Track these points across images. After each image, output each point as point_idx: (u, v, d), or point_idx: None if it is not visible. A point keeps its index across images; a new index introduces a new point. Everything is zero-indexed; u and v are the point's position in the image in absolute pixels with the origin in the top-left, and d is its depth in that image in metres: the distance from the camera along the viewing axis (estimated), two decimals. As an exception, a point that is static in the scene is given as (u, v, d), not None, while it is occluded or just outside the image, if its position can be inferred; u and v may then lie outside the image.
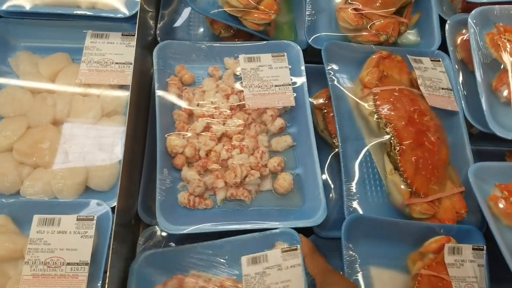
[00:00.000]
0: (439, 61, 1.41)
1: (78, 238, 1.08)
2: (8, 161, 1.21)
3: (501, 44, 1.33)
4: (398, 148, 1.19)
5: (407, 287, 1.12)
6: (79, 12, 1.41)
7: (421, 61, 1.39)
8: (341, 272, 1.13)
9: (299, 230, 1.17)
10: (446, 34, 1.46)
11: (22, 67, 1.37)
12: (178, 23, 1.56)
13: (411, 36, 1.55)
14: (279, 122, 1.31)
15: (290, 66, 1.35)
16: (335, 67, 1.34)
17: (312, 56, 1.42)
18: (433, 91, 1.33)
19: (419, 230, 1.15)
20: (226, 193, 1.22)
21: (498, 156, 1.41)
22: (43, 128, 1.26)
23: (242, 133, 1.28)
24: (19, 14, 1.41)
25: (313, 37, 1.44)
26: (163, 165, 1.21)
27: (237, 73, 1.37)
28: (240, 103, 1.31)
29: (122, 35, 1.41)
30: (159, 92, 1.29)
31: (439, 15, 1.51)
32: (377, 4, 1.44)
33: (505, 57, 1.33)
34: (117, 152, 1.24)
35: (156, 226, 1.22)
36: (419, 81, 1.33)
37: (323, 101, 1.36)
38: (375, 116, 1.24)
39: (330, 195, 1.28)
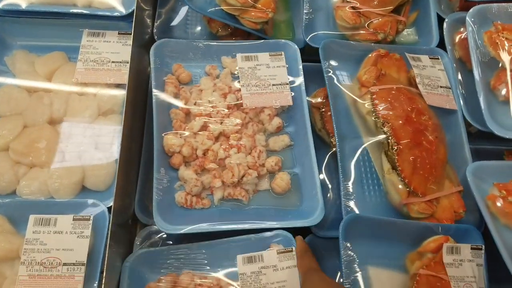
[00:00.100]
0: (438, 59, 1.41)
1: (75, 238, 1.07)
2: (4, 161, 1.21)
3: (499, 43, 1.33)
4: (395, 147, 1.18)
5: (406, 287, 1.11)
6: (75, 10, 1.40)
7: (420, 59, 1.39)
8: (340, 272, 1.13)
9: (296, 229, 1.17)
10: (444, 33, 1.46)
11: (18, 66, 1.36)
12: (175, 21, 1.55)
13: (409, 34, 1.55)
14: (277, 121, 1.31)
15: (287, 65, 1.35)
16: (333, 65, 1.34)
17: (310, 54, 1.42)
18: (432, 89, 1.33)
19: (417, 230, 1.15)
20: (223, 193, 1.22)
21: (497, 155, 1.41)
22: (39, 127, 1.25)
23: (239, 132, 1.27)
24: (15, 13, 1.40)
25: (311, 35, 1.43)
26: (160, 165, 1.21)
27: (235, 72, 1.36)
28: (238, 102, 1.30)
29: (118, 33, 1.41)
30: (156, 91, 1.29)
31: (437, 13, 1.51)
32: (375, 3, 1.43)
33: (503, 55, 1.33)
34: (114, 151, 1.24)
35: (153, 226, 1.21)
36: (417, 80, 1.32)
37: (320, 100, 1.35)
38: (373, 115, 1.24)
39: (328, 195, 1.28)
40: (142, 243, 1.21)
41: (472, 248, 1.13)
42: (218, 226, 1.14)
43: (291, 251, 1.12)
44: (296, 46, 1.38)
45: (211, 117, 1.28)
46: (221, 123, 1.27)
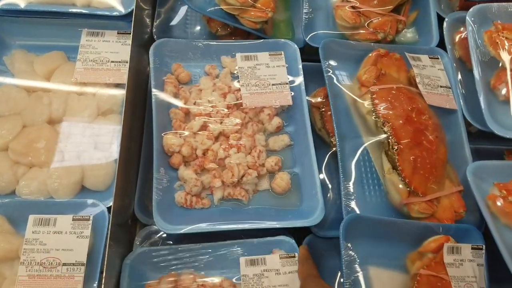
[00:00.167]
0: (437, 58, 1.41)
1: (74, 238, 1.07)
2: (3, 161, 1.20)
3: (499, 42, 1.33)
4: (396, 147, 1.18)
5: (406, 287, 1.11)
6: (74, 10, 1.40)
7: (420, 58, 1.38)
8: (340, 272, 1.12)
9: (296, 229, 1.17)
10: (444, 32, 1.46)
11: (17, 66, 1.36)
12: (174, 21, 1.54)
13: (409, 34, 1.55)
14: (277, 121, 1.30)
15: (287, 65, 1.35)
16: (332, 65, 1.34)
17: (310, 54, 1.41)
18: (432, 89, 1.33)
19: (417, 230, 1.14)
20: (223, 193, 1.22)
21: (497, 154, 1.40)
22: (38, 127, 1.25)
23: (239, 132, 1.27)
24: (14, 12, 1.39)
25: (311, 35, 1.43)
26: (160, 164, 1.20)
27: (234, 72, 1.36)
28: (237, 102, 1.30)
29: (118, 33, 1.40)
30: (155, 91, 1.28)
31: (437, 13, 1.51)
32: (375, 2, 1.43)
33: (504, 55, 1.32)
34: (113, 151, 1.24)
35: (153, 226, 1.21)
36: (417, 79, 1.32)
37: (320, 100, 1.35)
38: (373, 115, 1.24)
39: (328, 194, 1.27)
40: (142, 243, 1.21)
41: (472, 248, 1.12)
42: (218, 226, 1.13)
43: (294, 256, 1.12)
44: (295, 46, 1.38)
45: (210, 117, 1.28)
46: (221, 123, 1.27)
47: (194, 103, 1.30)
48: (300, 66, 1.35)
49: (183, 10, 1.56)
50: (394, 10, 1.46)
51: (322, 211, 1.17)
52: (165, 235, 1.21)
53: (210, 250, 1.15)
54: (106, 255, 1.02)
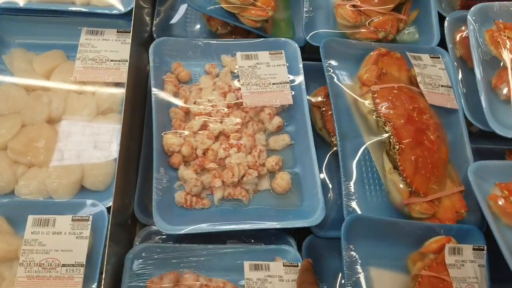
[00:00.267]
0: (438, 58, 1.40)
1: (74, 239, 1.07)
2: (2, 160, 1.20)
3: (500, 41, 1.32)
4: (397, 147, 1.17)
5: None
6: (74, 8, 1.40)
7: (421, 58, 1.38)
8: (341, 273, 1.12)
9: (297, 229, 1.16)
10: (445, 31, 1.45)
11: (16, 64, 1.35)
12: (174, 19, 1.54)
13: (410, 33, 1.54)
14: (277, 120, 1.30)
15: (287, 64, 1.34)
16: (333, 64, 1.33)
17: (310, 53, 1.41)
18: (433, 88, 1.32)
19: (419, 230, 1.14)
20: (223, 193, 1.21)
21: (498, 154, 1.40)
22: (37, 126, 1.25)
23: (239, 131, 1.27)
24: (13, 11, 1.39)
25: (311, 34, 1.42)
26: (160, 164, 1.20)
27: (234, 71, 1.35)
28: (238, 101, 1.29)
29: (117, 32, 1.40)
30: (155, 90, 1.28)
31: (438, 11, 1.50)
32: (375, 1, 1.43)
33: (505, 54, 1.32)
34: (113, 150, 1.23)
35: (153, 226, 1.20)
36: (419, 79, 1.32)
37: (321, 99, 1.34)
38: (374, 114, 1.23)
39: (328, 194, 1.27)
40: (142, 243, 1.20)
41: (474, 249, 1.12)
42: (218, 226, 1.13)
43: (297, 265, 1.12)
44: (296, 45, 1.38)
45: (211, 116, 1.27)
46: (221, 122, 1.26)
47: (194, 102, 1.29)
48: (301, 65, 1.35)
49: (183, 8, 1.56)
50: (395, 9, 1.46)
51: (323, 211, 1.16)
52: (165, 235, 1.20)
53: (212, 252, 1.14)
54: (106, 256, 1.02)
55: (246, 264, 1.12)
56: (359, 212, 1.16)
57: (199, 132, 1.25)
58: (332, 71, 1.31)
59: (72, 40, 1.39)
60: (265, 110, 1.30)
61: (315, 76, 1.36)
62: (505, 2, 1.41)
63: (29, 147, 1.20)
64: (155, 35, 1.45)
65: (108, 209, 1.11)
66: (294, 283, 1.10)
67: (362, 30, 1.41)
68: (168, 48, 1.36)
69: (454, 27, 1.46)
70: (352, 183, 1.20)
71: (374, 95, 1.25)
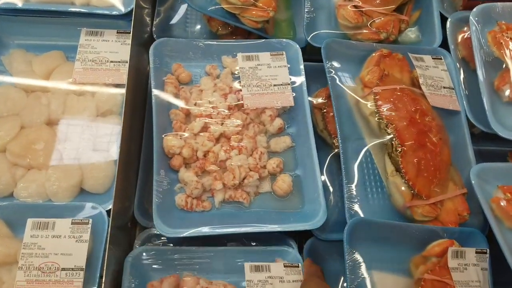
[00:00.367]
0: (440, 59, 1.39)
1: (73, 243, 1.06)
2: (1, 163, 1.19)
3: (503, 43, 1.32)
4: (399, 149, 1.17)
5: (410, 291, 1.11)
6: (73, 9, 1.39)
7: (423, 59, 1.37)
8: (344, 277, 1.12)
9: (298, 232, 1.16)
10: (447, 32, 1.44)
11: (15, 65, 1.34)
12: (174, 20, 1.53)
13: (411, 34, 1.53)
14: (278, 122, 1.29)
15: (289, 65, 1.33)
16: (335, 65, 1.32)
17: (311, 54, 1.41)
18: (435, 90, 1.31)
19: (421, 233, 1.13)
20: (224, 195, 1.20)
21: (500, 156, 1.39)
22: (37, 128, 1.23)
23: (240, 133, 1.26)
24: (11, 11, 1.38)
25: (312, 34, 1.41)
26: (160, 166, 1.19)
27: (235, 72, 1.35)
28: (238, 102, 1.28)
29: (117, 32, 1.39)
30: (155, 91, 1.27)
31: (440, 12, 1.49)
32: (377, 1, 1.42)
33: (508, 55, 1.31)
34: (113, 153, 1.22)
35: (153, 229, 1.20)
36: (421, 80, 1.31)
37: (322, 101, 1.33)
38: (376, 116, 1.22)
39: (329, 197, 1.26)
40: (142, 246, 1.19)
41: (476, 252, 1.11)
42: (219, 229, 1.12)
43: (298, 266, 1.12)
44: (297, 46, 1.37)
45: (211, 118, 1.26)
46: (222, 124, 1.26)
47: (195, 104, 1.28)
48: (302, 67, 1.34)
49: (183, 8, 1.55)
50: (396, 9, 1.45)
51: (324, 214, 1.16)
52: (165, 237, 1.19)
53: (212, 254, 1.14)
54: (106, 260, 1.01)
55: (247, 265, 1.11)
56: (361, 215, 1.15)
57: (199, 134, 1.24)
58: (333, 72, 1.30)
59: (71, 41, 1.37)
60: (266, 112, 1.29)
61: (316, 77, 1.36)
62: (507, 3, 1.40)
63: (28, 149, 1.19)
64: (155, 36, 1.44)
65: (108, 212, 1.10)
66: (295, 284, 1.09)
67: (364, 31, 1.40)
68: (168, 49, 1.35)
69: (456, 28, 1.45)
70: (353, 186, 1.19)
71: (376, 97, 1.24)
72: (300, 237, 1.22)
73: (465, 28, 1.43)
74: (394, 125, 1.19)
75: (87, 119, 1.26)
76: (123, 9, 1.39)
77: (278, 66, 1.32)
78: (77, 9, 1.38)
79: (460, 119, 1.33)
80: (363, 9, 1.41)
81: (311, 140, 1.24)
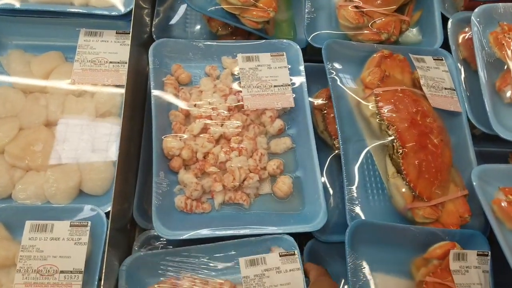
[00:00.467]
0: (441, 60, 1.39)
1: (72, 245, 1.05)
2: (-1, 164, 1.19)
3: (505, 44, 1.31)
4: (401, 151, 1.16)
5: (411, 293, 1.10)
6: (72, 9, 1.38)
7: (424, 60, 1.36)
8: (345, 279, 1.12)
9: (298, 233, 1.15)
10: (449, 33, 1.43)
11: (13, 66, 1.33)
12: (174, 20, 1.52)
13: (412, 34, 1.52)
14: (278, 123, 1.28)
15: (289, 66, 1.32)
16: (335, 66, 1.31)
17: (311, 54, 1.40)
18: (436, 91, 1.31)
19: (422, 235, 1.13)
20: (224, 197, 1.20)
21: (501, 157, 1.39)
22: (35, 129, 1.23)
23: (240, 134, 1.25)
24: (10, 12, 1.37)
25: (313, 35, 1.41)
26: (160, 168, 1.18)
27: (235, 73, 1.34)
28: (238, 103, 1.27)
29: (116, 33, 1.38)
30: (155, 92, 1.26)
31: (441, 12, 1.49)
32: (378, 2, 1.41)
33: (509, 56, 1.30)
34: (112, 154, 1.22)
35: (152, 230, 1.20)
36: (422, 81, 1.30)
37: (322, 102, 1.33)
38: (377, 117, 1.22)
39: (330, 198, 1.26)
40: (141, 248, 1.19)
41: (478, 255, 1.11)
42: (218, 231, 1.12)
43: (294, 254, 1.10)
44: (298, 46, 1.36)
45: (211, 119, 1.25)
46: (222, 125, 1.25)
47: (195, 105, 1.28)
48: (302, 67, 1.33)
49: (182, 9, 1.54)
50: (397, 10, 1.44)
51: (325, 216, 1.15)
52: (164, 240, 1.19)
53: (208, 252, 1.13)
54: (105, 262, 1.00)
55: (242, 260, 1.10)
56: (362, 217, 1.15)
57: (199, 135, 1.24)
58: (334, 73, 1.30)
59: (70, 41, 1.37)
60: (266, 113, 1.28)
61: (316, 77, 1.35)
62: (509, 4, 1.39)
63: (26, 151, 1.19)
64: (154, 36, 1.43)
65: (107, 214, 1.09)
66: (292, 273, 1.09)
67: (365, 31, 1.40)
68: (168, 49, 1.35)
69: (457, 28, 1.44)
70: (354, 188, 1.19)
71: (377, 98, 1.24)
72: (300, 239, 1.21)
73: (467, 29, 1.43)
74: (395, 126, 1.19)
75: (86, 120, 1.26)
76: (122, 10, 1.38)
77: (279, 67, 1.31)
78: (76, 10, 1.38)
79: (461, 120, 1.33)
80: (364, 9, 1.40)
81: (311, 141, 1.24)
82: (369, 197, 1.20)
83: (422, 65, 1.34)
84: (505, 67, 1.31)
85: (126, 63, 1.22)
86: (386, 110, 1.21)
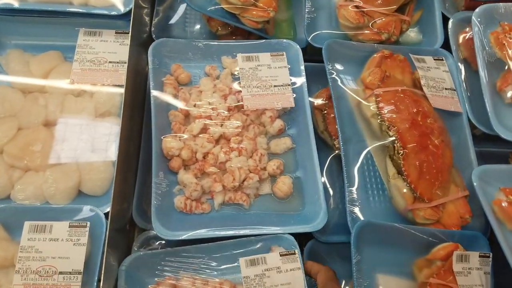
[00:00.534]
0: (442, 60, 1.38)
1: (71, 246, 1.04)
2: (-2, 164, 1.18)
3: (506, 44, 1.30)
4: (401, 151, 1.16)
5: (414, 295, 1.10)
6: (71, 9, 1.37)
7: (424, 60, 1.36)
8: (348, 281, 1.13)
9: (298, 234, 1.14)
10: (449, 32, 1.43)
11: (12, 66, 1.33)
12: (173, 20, 1.52)
13: (413, 34, 1.52)
14: (278, 123, 1.28)
15: (289, 66, 1.32)
16: (336, 66, 1.31)
17: (311, 54, 1.40)
18: (436, 91, 1.30)
19: (425, 236, 1.12)
20: (224, 197, 1.19)
21: (501, 157, 1.39)
22: (34, 129, 1.22)
23: (240, 135, 1.25)
24: (9, 11, 1.36)
25: (313, 35, 1.40)
26: (159, 168, 1.18)
27: (235, 73, 1.33)
28: (238, 103, 1.27)
29: (115, 32, 1.38)
30: (154, 92, 1.25)
31: (442, 12, 1.48)
32: (379, 2, 1.40)
33: (510, 56, 1.30)
34: (111, 154, 1.21)
35: (151, 231, 1.19)
36: (422, 82, 1.30)
37: (323, 101, 1.32)
38: (378, 118, 1.21)
39: (330, 198, 1.25)
40: (140, 249, 1.19)
41: (480, 256, 1.11)
42: (218, 232, 1.11)
43: (294, 253, 1.10)
44: (298, 46, 1.35)
45: (211, 119, 1.25)
46: (222, 125, 1.24)
47: (194, 105, 1.27)
48: (302, 67, 1.32)
49: (182, 8, 1.53)
50: (398, 9, 1.44)
51: (325, 216, 1.14)
52: (164, 240, 1.18)
53: (208, 251, 1.12)
54: (104, 263, 1.00)
55: (242, 260, 1.09)
56: (362, 218, 1.14)
57: (199, 135, 1.23)
58: (334, 74, 1.29)
59: (69, 41, 1.36)
60: (266, 113, 1.28)
61: (317, 77, 1.34)
62: (510, 4, 1.38)
63: (25, 151, 1.18)
64: (154, 36, 1.43)
65: (106, 214, 1.09)
66: (293, 273, 1.08)
67: (365, 31, 1.39)
68: (167, 49, 1.34)
69: (458, 28, 1.44)
70: (355, 189, 1.18)
71: (378, 99, 1.23)
72: (300, 239, 1.20)
73: (467, 29, 1.42)
74: (396, 127, 1.18)
75: (85, 120, 1.25)
76: (122, 9, 1.37)
77: (279, 67, 1.31)
78: (75, 9, 1.37)
79: (461, 120, 1.32)
80: (364, 9, 1.39)
81: (311, 141, 1.23)
82: (369, 198, 1.20)
83: (422, 65, 1.34)
84: (506, 67, 1.31)
85: (125, 63, 1.22)
86: (386, 111, 1.20)
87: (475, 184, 1.16)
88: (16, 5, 1.34)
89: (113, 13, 1.37)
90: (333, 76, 1.28)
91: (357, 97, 1.27)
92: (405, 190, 1.15)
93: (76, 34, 1.36)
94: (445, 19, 1.46)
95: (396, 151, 1.17)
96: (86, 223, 1.07)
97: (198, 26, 1.51)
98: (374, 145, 1.22)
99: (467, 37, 1.42)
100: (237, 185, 1.18)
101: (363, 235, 1.08)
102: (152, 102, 1.23)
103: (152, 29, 1.45)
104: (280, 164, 1.24)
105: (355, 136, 1.24)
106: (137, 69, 1.29)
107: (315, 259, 1.17)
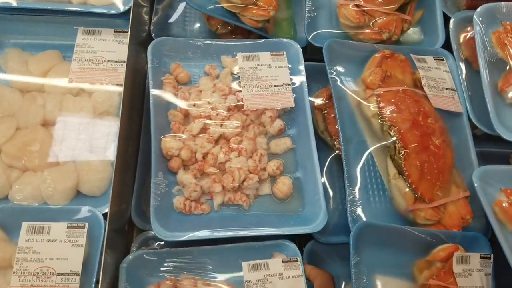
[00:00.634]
0: (442, 60, 1.38)
1: (69, 247, 1.04)
2: (-4, 164, 1.17)
3: (507, 43, 1.30)
4: (402, 152, 1.15)
5: (415, 296, 1.10)
6: (70, 7, 1.36)
7: (425, 60, 1.36)
8: (345, 282, 1.11)
9: (298, 234, 1.14)
10: (450, 32, 1.42)
11: (10, 65, 1.32)
12: (173, 18, 1.51)
13: (414, 33, 1.51)
14: (278, 123, 1.27)
15: (289, 65, 1.31)
16: (336, 66, 1.30)
17: (312, 53, 1.39)
18: (437, 91, 1.30)
19: (426, 237, 1.11)
20: (223, 198, 1.19)
21: (502, 158, 1.38)
22: (32, 129, 1.22)
23: (240, 135, 1.24)
24: (7, 10, 1.36)
25: (313, 34, 1.39)
26: (158, 168, 1.17)
27: (235, 72, 1.32)
28: (238, 103, 1.26)
29: (114, 31, 1.37)
30: (153, 91, 1.24)
31: (443, 12, 1.48)
32: (379, 1, 1.40)
33: (512, 56, 1.30)
34: (110, 154, 1.20)
35: (150, 231, 1.19)
36: (423, 82, 1.29)
37: (323, 102, 1.32)
38: (379, 118, 1.21)
39: (330, 199, 1.24)
40: (139, 249, 1.18)
41: (481, 257, 1.10)
42: (217, 232, 1.10)
43: (296, 261, 1.09)
44: (298, 46, 1.35)
45: (210, 119, 1.24)
46: (221, 125, 1.23)
47: (194, 105, 1.26)
48: (303, 67, 1.31)
49: (181, 7, 1.53)
50: (399, 9, 1.43)
51: (325, 217, 1.14)
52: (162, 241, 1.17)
53: (209, 254, 1.12)
54: (102, 264, 0.99)
55: (245, 264, 1.08)
56: (363, 219, 1.14)
57: (198, 135, 1.22)
58: (335, 73, 1.28)
59: (68, 40, 1.35)
60: (266, 113, 1.27)
61: (317, 77, 1.34)
62: (512, 3, 1.38)
63: (23, 151, 1.18)
64: (153, 35, 1.42)
65: (105, 215, 1.08)
66: (295, 280, 1.08)
67: (366, 30, 1.38)
68: (166, 48, 1.33)
69: (459, 28, 1.43)
70: (356, 189, 1.17)
71: (379, 99, 1.23)
72: (299, 240, 1.20)
73: (469, 28, 1.42)
74: (397, 127, 1.17)
75: (84, 119, 1.24)
76: (121, 8, 1.36)
77: (279, 67, 1.30)
78: (74, 8, 1.36)
79: (462, 120, 1.32)
80: (365, 8, 1.39)
81: (311, 141, 1.22)
82: (370, 199, 1.19)
83: (423, 65, 1.33)
84: (508, 67, 1.31)
85: (124, 62, 1.21)
86: (387, 111, 1.20)
87: (476, 184, 1.16)
88: (14, 3, 1.34)
89: (112, 11, 1.36)
90: (334, 76, 1.28)
91: (357, 97, 1.26)
92: (406, 191, 1.15)
93: (75, 33, 1.36)
94: (446, 19, 1.46)
95: (397, 151, 1.16)
96: (85, 224, 1.06)
97: (197, 25, 1.51)
98: (375, 145, 1.22)
99: (468, 36, 1.41)
100: (236, 186, 1.17)
101: (362, 236, 1.08)
102: (151, 101, 1.22)
103: (151, 28, 1.44)
104: (280, 164, 1.23)
105: (355, 136, 1.24)
106: (136, 68, 1.29)
107: (315, 260, 1.17)
